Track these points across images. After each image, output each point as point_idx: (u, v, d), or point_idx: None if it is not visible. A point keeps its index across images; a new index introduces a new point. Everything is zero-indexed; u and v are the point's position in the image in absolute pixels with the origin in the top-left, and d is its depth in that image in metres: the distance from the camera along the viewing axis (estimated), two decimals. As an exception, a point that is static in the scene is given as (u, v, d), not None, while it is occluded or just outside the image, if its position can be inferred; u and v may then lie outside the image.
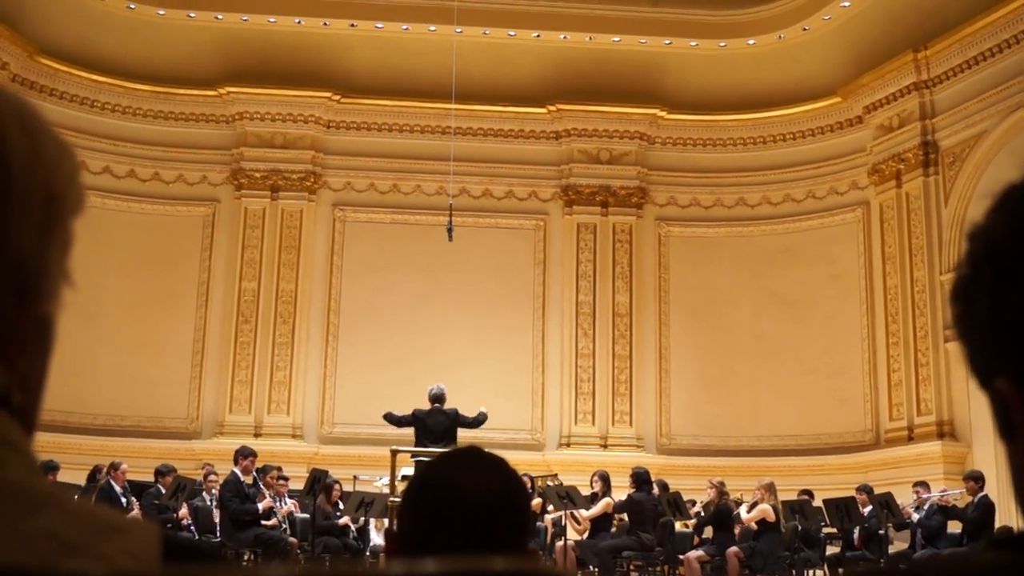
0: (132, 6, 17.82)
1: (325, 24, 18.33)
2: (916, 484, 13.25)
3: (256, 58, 18.36)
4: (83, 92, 17.86)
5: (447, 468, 1.71)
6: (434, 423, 12.40)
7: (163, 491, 12.98)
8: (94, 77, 17.85)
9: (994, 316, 0.77)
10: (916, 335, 16.30)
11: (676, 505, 13.02)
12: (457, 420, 12.56)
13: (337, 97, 18.43)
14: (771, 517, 12.69)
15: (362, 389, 17.58)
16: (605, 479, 13.23)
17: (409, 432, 12.91)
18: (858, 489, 13.33)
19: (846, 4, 17.30)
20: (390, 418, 12.82)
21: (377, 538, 13.57)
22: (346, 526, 13.08)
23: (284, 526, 12.50)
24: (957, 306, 0.82)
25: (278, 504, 12.60)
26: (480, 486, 1.66)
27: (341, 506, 13.16)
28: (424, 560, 0.60)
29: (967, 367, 0.82)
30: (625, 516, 13.25)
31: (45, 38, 17.30)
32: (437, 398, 12.68)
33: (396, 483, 11.88)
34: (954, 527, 12.52)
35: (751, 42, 18.41)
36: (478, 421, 12.70)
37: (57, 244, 0.82)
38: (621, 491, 13.37)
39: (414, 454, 11.91)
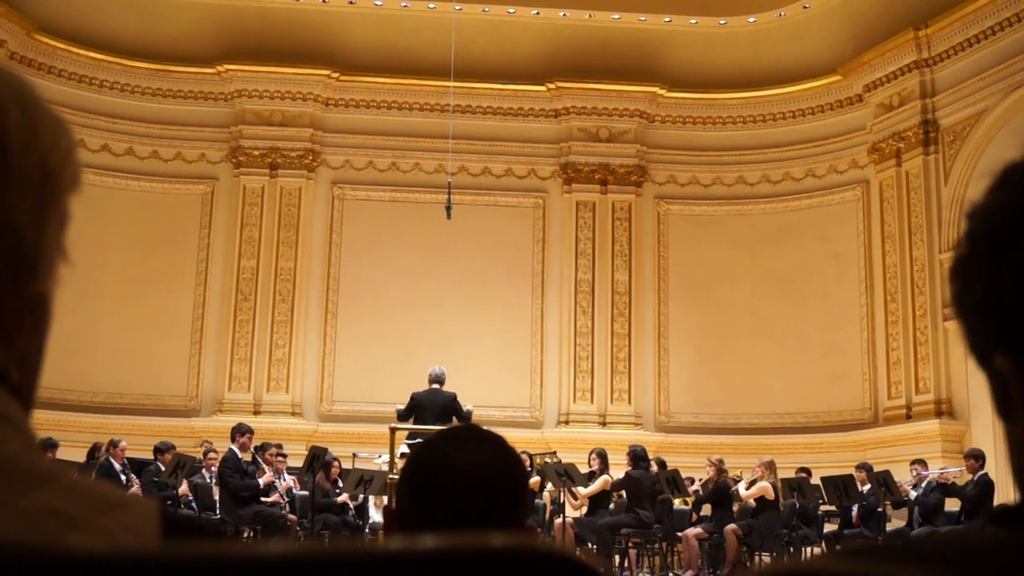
0: (130, -17, 17.77)
1: (324, 1, 18.27)
2: (914, 462, 13.29)
3: (254, 36, 18.30)
4: (81, 70, 17.81)
5: (444, 445, 1.71)
6: (430, 403, 12.45)
7: (162, 468, 13.00)
8: (92, 55, 17.80)
9: (993, 295, 0.77)
10: (915, 314, 16.31)
11: (674, 482, 13.07)
12: (453, 404, 12.55)
13: (336, 75, 18.38)
14: (770, 495, 12.73)
15: (361, 367, 17.62)
16: (603, 457, 13.28)
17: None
18: (858, 467, 13.38)
19: (846, -19, 17.25)
20: (399, 416, 12.73)
21: (376, 515, 13.62)
22: (345, 503, 13.12)
23: (285, 502, 12.55)
24: (956, 285, 0.82)
25: (278, 480, 12.66)
26: (477, 463, 1.67)
27: (340, 483, 13.20)
28: (422, 536, 0.60)
29: (966, 346, 0.82)
30: (623, 493, 13.29)
31: (43, 16, 17.24)
32: (436, 379, 12.72)
33: (395, 460, 11.91)
34: (952, 505, 12.56)
35: (751, 20, 18.36)
36: (468, 415, 12.69)
37: (54, 221, 0.82)
38: (619, 469, 13.41)
39: (410, 433, 11.92)
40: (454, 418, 12.54)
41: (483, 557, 0.59)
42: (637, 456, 13.06)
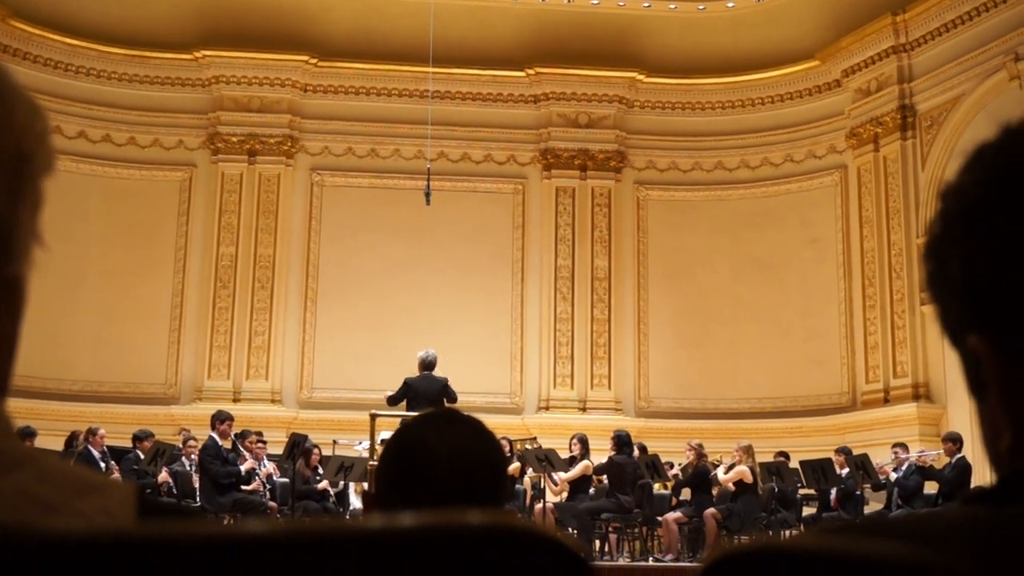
0: (106, -32, 17.64)
1: (301, -14, 18.18)
2: (895, 445, 13.36)
3: (232, 21, 18.19)
4: (57, 56, 17.67)
5: (422, 430, 1.71)
6: (424, 388, 12.21)
7: (142, 456, 12.96)
8: (68, 41, 17.65)
9: (966, 273, 0.77)
10: (893, 298, 16.40)
11: (654, 467, 13.11)
12: (446, 389, 12.32)
13: (314, 61, 18.30)
14: (748, 478, 12.79)
15: (341, 354, 17.58)
16: (583, 442, 13.30)
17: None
18: (837, 451, 13.44)
19: (825, -33, 17.27)
20: (390, 401, 12.44)
21: (357, 502, 13.62)
22: (326, 490, 13.10)
23: (265, 489, 12.53)
24: (930, 265, 0.82)
25: (258, 467, 12.64)
26: (455, 447, 1.67)
27: (321, 470, 13.19)
28: (401, 515, 0.60)
29: (939, 325, 0.82)
30: (604, 478, 13.32)
31: (19, 1, 17.09)
32: (427, 364, 12.44)
33: (376, 447, 11.87)
34: (931, 488, 12.64)
35: (730, 5, 18.36)
36: (455, 399, 12.60)
37: (27, 204, 0.82)
38: (599, 454, 13.44)
39: (401, 418, 11.82)
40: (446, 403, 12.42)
41: (461, 535, 0.60)
42: (622, 441, 13.08)
